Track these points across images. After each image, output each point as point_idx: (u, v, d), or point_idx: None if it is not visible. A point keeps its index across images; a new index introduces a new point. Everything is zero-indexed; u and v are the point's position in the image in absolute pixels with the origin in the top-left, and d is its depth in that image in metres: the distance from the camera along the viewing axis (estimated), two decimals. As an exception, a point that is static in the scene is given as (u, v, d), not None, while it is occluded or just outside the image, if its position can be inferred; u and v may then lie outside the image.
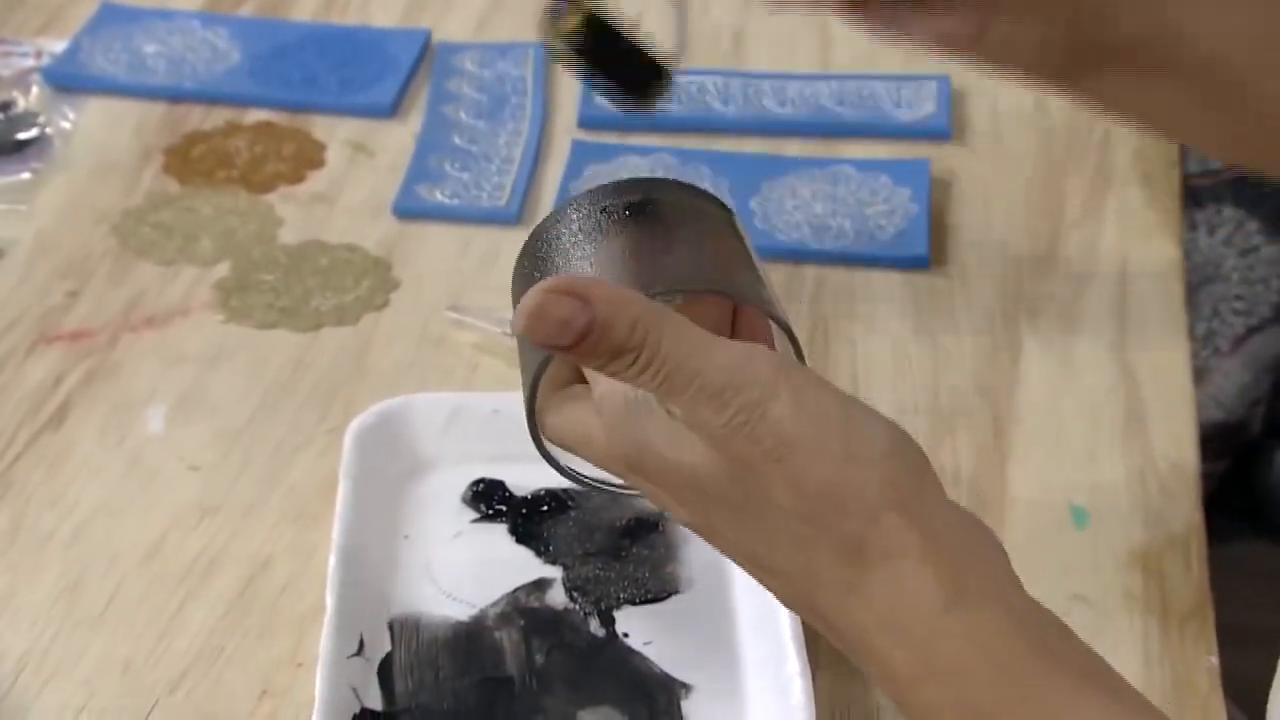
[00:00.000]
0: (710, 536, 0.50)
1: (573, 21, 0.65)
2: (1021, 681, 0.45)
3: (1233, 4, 0.61)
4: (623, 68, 0.68)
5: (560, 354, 0.47)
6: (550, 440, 0.53)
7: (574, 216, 0.53)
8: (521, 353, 0.54)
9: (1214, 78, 0.61)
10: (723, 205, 0.56)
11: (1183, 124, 0.64)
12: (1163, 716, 0.46)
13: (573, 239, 0.53)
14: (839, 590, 0.46)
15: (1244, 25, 0.61)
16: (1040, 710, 0.44)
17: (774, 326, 0.53)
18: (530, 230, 0.55)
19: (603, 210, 0.53)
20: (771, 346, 0.54)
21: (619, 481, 0.53)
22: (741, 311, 0.55)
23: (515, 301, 0.56)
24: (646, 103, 0.69)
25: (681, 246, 0.53)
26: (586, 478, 0.55)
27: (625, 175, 0.88)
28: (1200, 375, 1.12)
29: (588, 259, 0.52)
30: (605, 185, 0.54)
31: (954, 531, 0.47)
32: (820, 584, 0.47)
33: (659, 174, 0.88)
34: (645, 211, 0.54)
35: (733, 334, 0.57)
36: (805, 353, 0.54)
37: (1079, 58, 0.62)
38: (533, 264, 0.54)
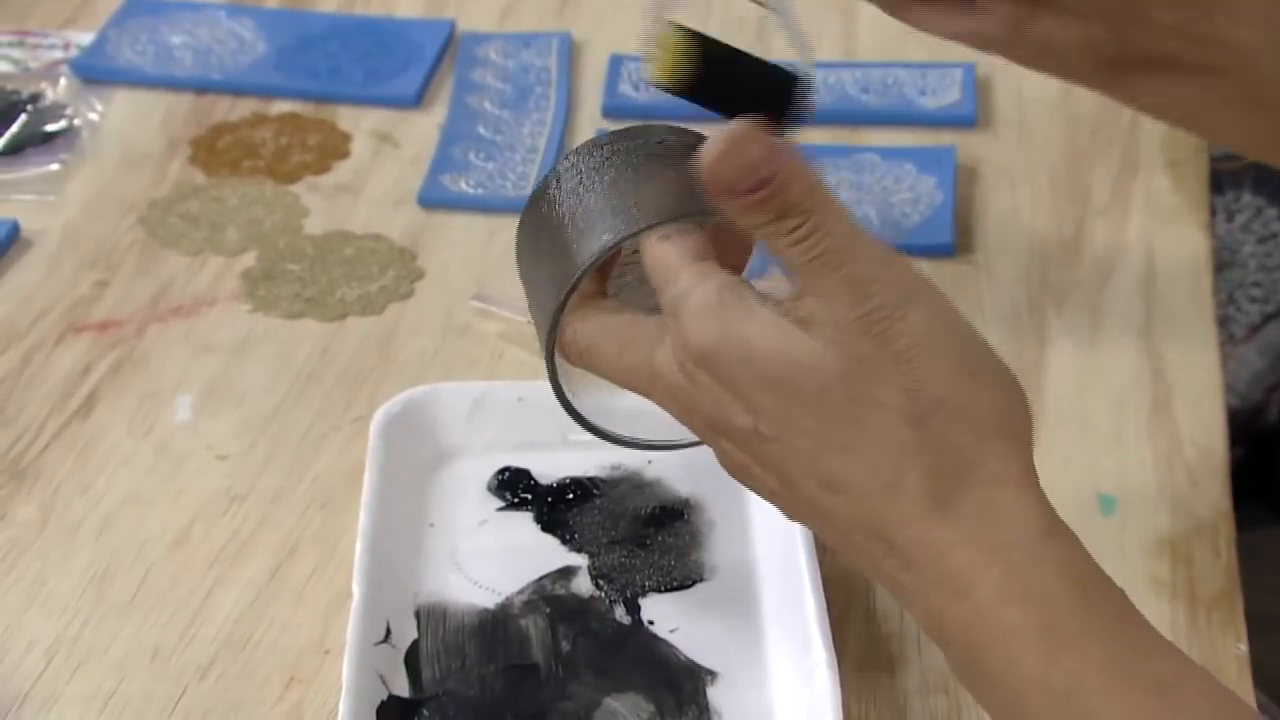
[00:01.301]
0: (764, 451, 0.49)
1: (676, 55, 0.55)
2: (1108, 615, 0.46)
3: (1275, 3, 0.60)
4: (751, 88, 0.57)
5: (730, 203, 0.47)
6: (580, 351, 0.52)
7: (573, 169, 0.53)
8: (534, 289, 0.54)
9: (1256, 78, 0.60)
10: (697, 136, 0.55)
11: (1222, 125, 0.64)
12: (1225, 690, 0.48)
13: (576, 188, 0.53)
14: (926, 505, 0.47)
15: None
16: (1125, 645, 0.46)
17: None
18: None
19: (603, 155, 0.53)
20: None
21: (645, 438, 0.53)
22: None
23: (523, 280, 0.56)
24: (793, 117, 0.57)
25: (656, 183, 0.53)
26: (611, 433, 0.55)
27: None
28: (1216, 363, 1.11)
29: (603, 196, 0.52)
30: (589, 142, 0.54)
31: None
32: (905, 497, 0.47)
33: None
34: (645, 150, 0.54)
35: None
36: None
37: (1117, 59, 0.61)
38: (538, 227, 0.54)
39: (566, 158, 0.54)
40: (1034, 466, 0.48)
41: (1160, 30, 0.60)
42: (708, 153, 0.47)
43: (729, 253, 0.53)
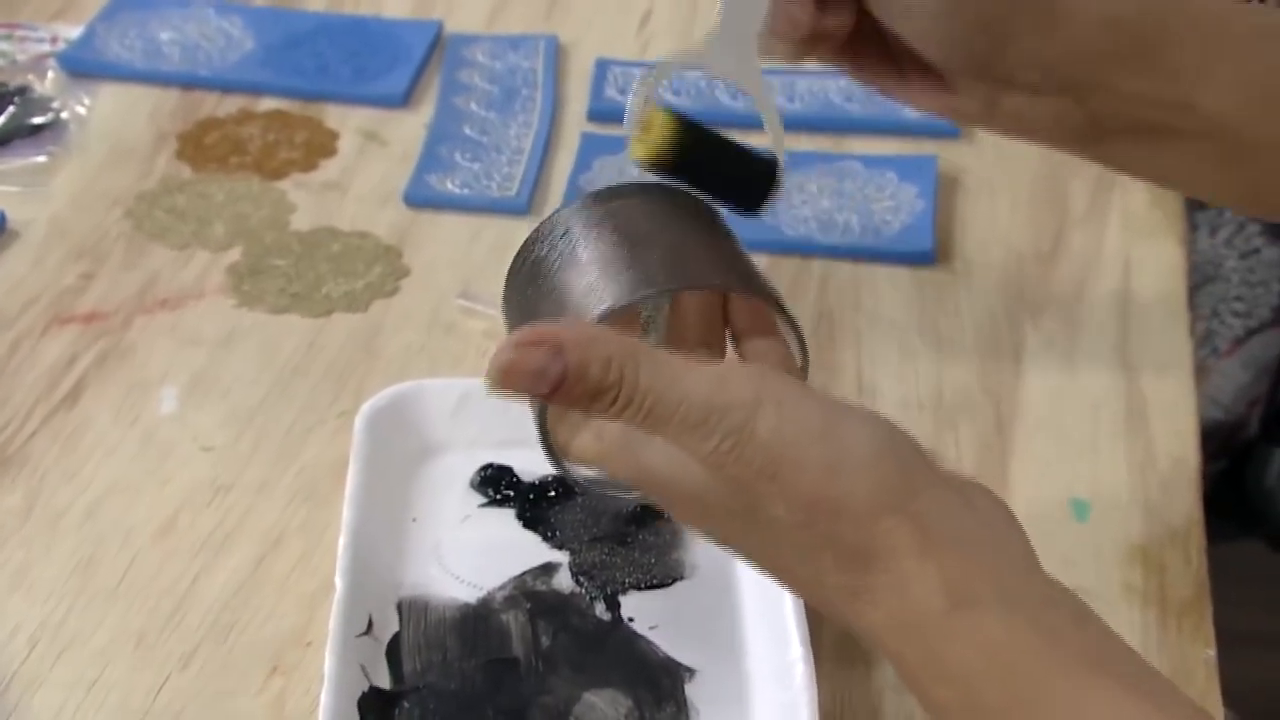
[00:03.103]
0: (726, 547, 0.51)
1: (661, 133, 0.56)
2: (1028, 680, 0.45)
3: (1244, 68, 0.60)
4: (729, 172, 0.59)
5: (541, 401, 0.48)
6: (568, 461, 0.53)
7: (550, 238, 0.54)
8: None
9: (1232, 139, 0.60)
10: (696, 199, 0.56)
11: (1200, 183, 0.64)
12: (1181, 699, 0.46)
13: (554, 263, 0.54)
14: (846, 595, 0.47)
15: (1257, 88, 0.60)
16: (1048, 709, 0.44)
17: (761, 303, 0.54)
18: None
19: (581, 224, 0.54)
20: (770, 329, 0.55)
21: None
22: (734, 296, 0.56)
23: (507, 325, 0.57)
24: (760, 203, 0.59)
25: (660, 246, 0.54)
26: (603, 484, 0.55)
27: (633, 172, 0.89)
28: (1199, 375, 1.12)
29: (567, 281, 0.53)
30: (578, 201, 0.55)
31: (955, 524, 0.47)
32: (829, 589, 0.48)
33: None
34: (619, 217, 0.54)
35: (725, 318, 0.57)
36: (808, 342, 0.55)
37: (1092, 128, 0.61)
38: (519, 295, 0.55)
39: (564, 216, 0.55)
40: (934, 521, 0.46)
41: (1130, 100, 0.60)
42: (493, 370, 0.47)
43: (699, 309, 0.54)
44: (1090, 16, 0.60)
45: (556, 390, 0.47)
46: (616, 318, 0.52)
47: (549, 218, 0.55)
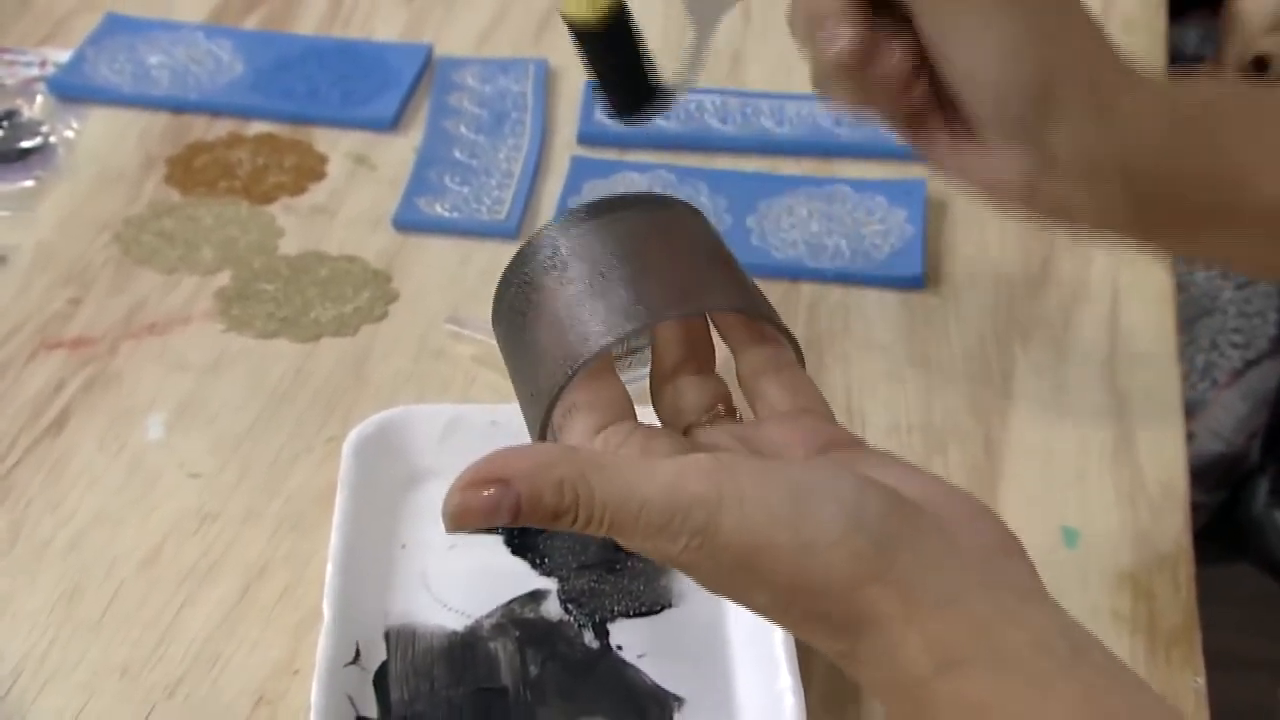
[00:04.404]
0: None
1: (601, 3, 0.60)
2: None
3: None
4: (626, 76, 0.65)
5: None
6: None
7: (538, 259, 0.53)
8: (525, 355, 0.54)
9: None
10: (690, 207, 0.55)
11: (1256, 263, 0.64)
12: None
13: (544, 286, 0.53)
14: (841, 660, 0.48)
15: None
16: None
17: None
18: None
19: (571, 243, 0.53)
20: (765, 335, 0.54)
21: None
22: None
23: (501, 349, 0.57)
24: (634, 118, 0.65)
25: (655, 269, 0.53)
26: None
27: (621, 190, 0.88)
28: (1199, 407, 1.12)
29: (558, 310, 0.52)
30: (566, 216, 0.54)
31: (938, 581, 0.46)
32: (829, 652, 0.48)
33: (656, 189, 0.89)
34: (610, 234, 0.53)
35: (711, 326, 0.57)
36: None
37: (1141, 218, 0.60)
38: (509, 320, 0.54)
39: (564, 230, 0.54)
40: (915, 583, 0.46)
41: (1180, 189, 0.59)
42: (447, 517, 0.47)
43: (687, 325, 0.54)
44: (1146, 106, 0.58)
45: (515, 520, 0.47)
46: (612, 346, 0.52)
47: (536, 236, 0.55)
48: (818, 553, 0.46)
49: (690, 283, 0.53)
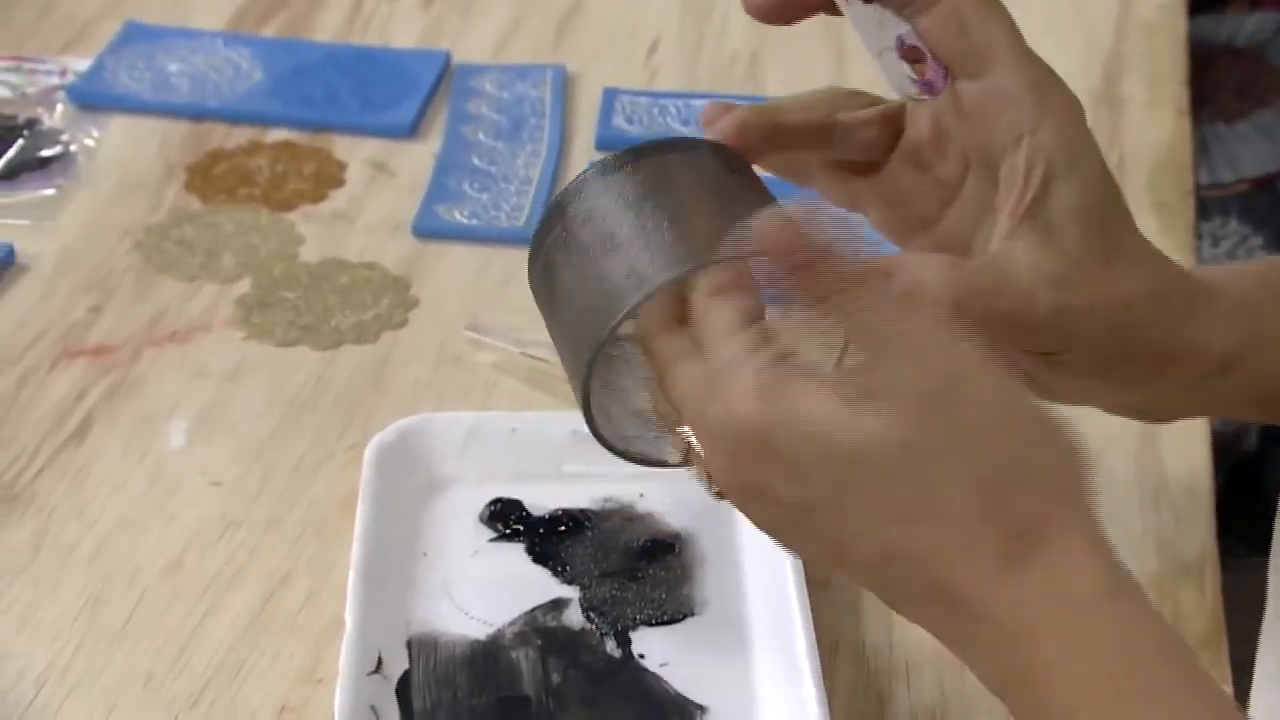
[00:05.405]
0: (811, 520, 0.48)
1: None
2: (1167, 678, 0.46)
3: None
4: None
5: (795, 277, 0.47)
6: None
7: (578, 202, 0.52)
8: (563, 331, 0.53)
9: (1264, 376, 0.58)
10: (724, 150, 0.54)
11: (1236, 410, 0.63)
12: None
13: (586, 235, 0.51)
14: (998, 564, 0.46)
15: None
16: (1182, 704, 0.46)
17: None
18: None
19: (611, 188, 0.51)
20: None
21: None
22: None
23: (538, 302, 0.55)
24: None
25: (701, 214, 0.51)
26: (641, 455, 0.54)
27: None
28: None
29: (601, 258, 0.50)
30: (600, 162, 0.52)
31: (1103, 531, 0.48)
32: (974, 560, 0.47)
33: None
34: (653, 179, 0.52)
35: None
36: None
37: (1161, 410, 0.61)
38: (550, 268, 0.52)
39: (592, 178, 0.52)
40: (1099, 527, 0.48)
41: (1200, 392, 0.59)
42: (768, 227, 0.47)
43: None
44: (1177, 348, 0.58)
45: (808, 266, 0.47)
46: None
47: (576, 181, 0.53)
48: (1042, 450, 0.47)
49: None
